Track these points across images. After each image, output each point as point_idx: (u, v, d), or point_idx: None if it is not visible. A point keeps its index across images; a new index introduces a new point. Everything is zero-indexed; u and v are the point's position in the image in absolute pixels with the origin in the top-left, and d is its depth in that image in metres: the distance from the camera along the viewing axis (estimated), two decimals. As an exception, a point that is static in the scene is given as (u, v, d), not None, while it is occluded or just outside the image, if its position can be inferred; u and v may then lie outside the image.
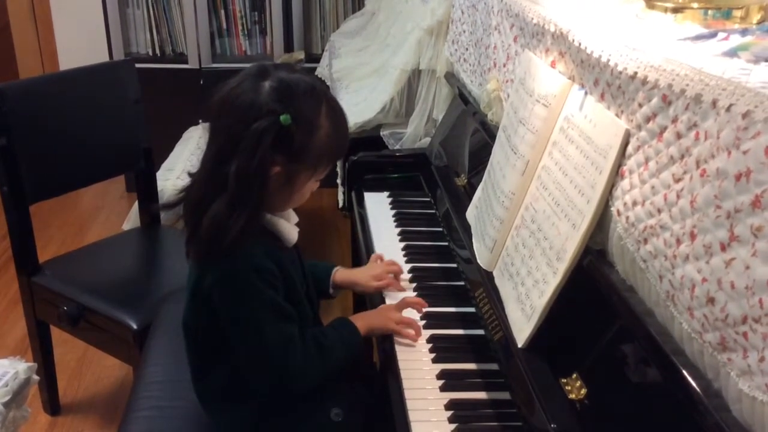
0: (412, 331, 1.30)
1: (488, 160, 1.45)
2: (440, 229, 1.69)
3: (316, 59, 3.29)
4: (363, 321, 1.30)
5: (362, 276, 1.45)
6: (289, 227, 1.22)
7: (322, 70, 3.05)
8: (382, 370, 1.31)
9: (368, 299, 1.48)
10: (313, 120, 1.13)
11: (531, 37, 1.35)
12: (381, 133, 2.22)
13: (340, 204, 2.16)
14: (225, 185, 1.09)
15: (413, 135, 2.16)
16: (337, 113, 1.17)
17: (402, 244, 1.63)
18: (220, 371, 1.23)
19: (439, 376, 1.21)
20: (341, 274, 1.44)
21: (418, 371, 1.23)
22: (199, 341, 1.24)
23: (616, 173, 0.99)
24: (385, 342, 1.31)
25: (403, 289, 1.45)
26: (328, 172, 1.21)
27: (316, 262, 1.43)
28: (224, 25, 3.51)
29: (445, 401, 1.15)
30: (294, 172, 1.14)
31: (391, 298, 1.41)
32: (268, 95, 1.10)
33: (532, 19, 1.33)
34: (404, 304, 1.36)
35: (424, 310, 1.37)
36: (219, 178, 1.10)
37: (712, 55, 0.86)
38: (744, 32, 0.95)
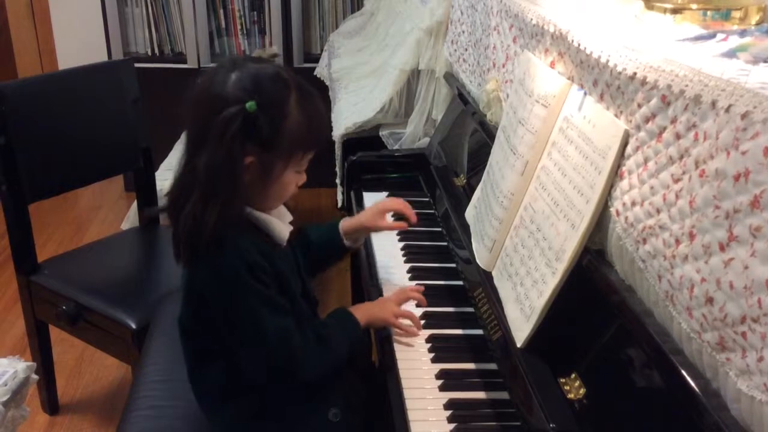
0: (411, 325, 1.30)
1: (487, 160, 1.45)
2: (439, 229, 1.70)
3: (315, 59, 3.29)
4: (362, 312, 1.30)
5: (366, 216, 1.46)
6: (279, 225, 1.21)
7: (321, 70, 3.06)
8: (381, 369, 1.32)
9: (367, 294, 1.49)
10: (280, 106, 1.12)
11: (530, 38, 1.36)
12: (380, 133, 2.22)
13: (339, 204, 2.16)
14: (197, 179, 1.10)
15: (412, 135, 2.16)
16: (308, 101, 1.16)
17: (401, 244, 1.64)
18: (217, 371, 1.23)
19: (438, 376, 1.21)
20: (347, 222, 1.45)
21: (417, 371, 1.23)
22: (195, 340, 1.24)
23: (615, 173, 1.00)
24: (385, 341, 1.31)
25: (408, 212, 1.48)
26: (307, 161, 1.19)
27: (320, 225, 1.44)
28: (223, 25, 3.51)
29: (444, 401, 1.15)
30: (268, 162, 1.13)
31: (390, 293, 1.41)
32: (234, 85, 1.10)
33: (532, 19, 1.33)
34: (404, 297, 1.36)
35: (423, 309, 1.37)
36: (192, 172, 1.11)
37: (711, 56, 0.86)
38: (743, 33, 0.96)
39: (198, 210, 1.10)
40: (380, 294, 1.44)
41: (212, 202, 1.09)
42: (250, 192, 1.15)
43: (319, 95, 1.20)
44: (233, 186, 1.10)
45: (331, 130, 2.12)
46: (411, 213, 1.50)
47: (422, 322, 1.34)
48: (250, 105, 1.08)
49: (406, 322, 1.31)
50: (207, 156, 1.09)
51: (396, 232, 1.68)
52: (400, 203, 1.51)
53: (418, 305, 1.38)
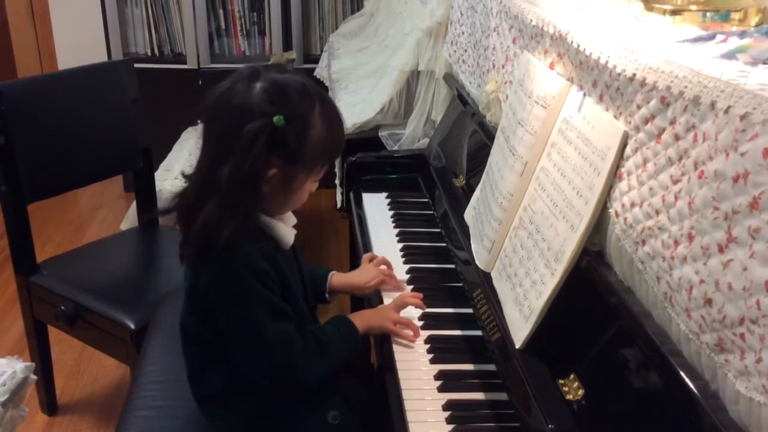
0: (410, 332, 1.30)
1: (486, 161, 1.45)
2: (438, 230, 1.70)
3: (315, 60, 3.29)
4: (361, 320, 1.30)
5: (358, 279, 1.45)
6: (285, 229, 1.22)
7: (320, 71, 3.06)
8: (380, 370, 1.31)
9: (366, 300, 1.48)
10: (306, 119, 1.12)
11: (530, 39, 1.36)
12: (379, 134, 2.22)
13: (339, 205, 2.17)
14: (218, 187, 1.09)
15: (412, 136, 2.17)
16: (330, 111, 1.17)
17: (400, 245, 1.64)
18: (217, 373, 1.23)
19: (437, 377, 1.21)
20: (337, 278, 1.44)
21: (416, 372, 1.23)
22: (197, 342, 1.24)
23: (615, 175, 1.00)
24: (384, 342, 1.31)
25: (399, 285, 1.46)
26: (326, 171, 1.21)
27: (313, 268, 1.44)
28: (223, 26, 3.51)
29: (443, 402, 1.15)
30: (291, 174, 1.14)
31: (390, 297, 1.41)
32: (260, 97, 1.10)
33: (531, 20, 1.33)
34: (402, 303, 1.36)
35: (422, 311, 1.37)
36: (212, 180, 1.10)
37: (710, 57, 0.86)
38: (742, 34, 0.96)
39: (215, 217, 1.10)
40: (379, 296, 1.44)
41: (231, 211, 1.09)
42: (268, 201, 1.15)
43: (336, 105, 1.21)
44: (254, 196, 1.11)
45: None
46: (396, 285, 1.47)
47: (421, 323, 1.34)
48: (278, 119, 1.08)
49: (406, 330, 1.31)
50: (231, 167, 1.08)
51: (395, 233, 1.69)
52: (385, 266, 1.48)
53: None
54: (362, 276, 1.45)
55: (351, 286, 1.45)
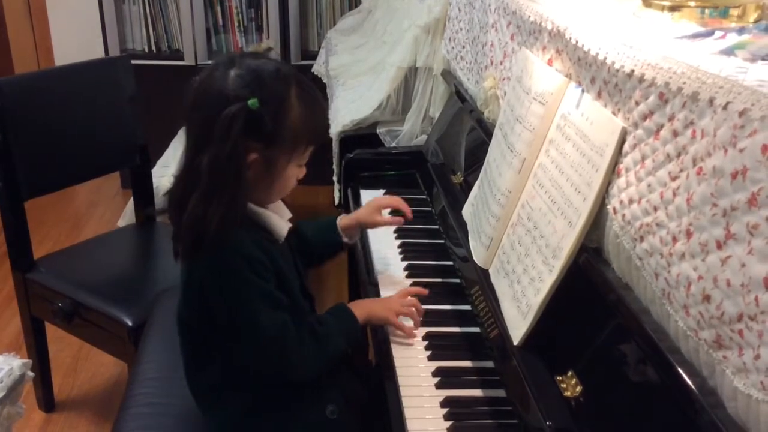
0: (410, 324, 1.30)
1: (485, 157, 1.45)
2: (436, 226, 1.69)
3: (313, 56, 3.28)
4: (362, 308, 1.30)
5: (363, 213, 1.50)
6: (279, 221, 1.21)
7: (318, 67, 3.05)
8: (378, 367, 1.31)
9: (364, 292, 1.48)
10: (282, 102, 1.12)
11: (528, 35, 1.35)
12: (377, 131, 2.22)
13: (336, 201, 2.16)
14: (200, 178, 1.09)
15: (409, 132, 2.16)
16: (308, 94, 1.17)
17: (398, 242, 1.63)
18: (214, 366, 1.23)
19: (435, 374, 1.21)
20: (344, 219, 1.48)
21: (414, 368, 1.23)
22: (194, 336, 1.24)
23: (613, 171, 0.99)
24: (382, 339, 1.30)
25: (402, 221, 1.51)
26: (310, 156, 1.20)
27: (317, 221, 1.46)
28: (220, 22, 3.50)
29: (441, 398, 1.15)
30: (272, 158, 1.13)
31: (388, 291, 1.41)
32: (235, 82, 1.10)
33: (529, 16, 1.33)
34: (406, 294, 1.36)
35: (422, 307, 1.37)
36: (194, 171, 1.10)
37: (709, 54, 0.86)
38: (741, 31, 0.96)
39: (201, 210, 1.09)
40: (377, 292, 1.44)
41: (216, 200, 1.09)
42: (253, 188, 1.15)
43: (316, 88, 1.21)
44: (237, 183, 1.10)
45: (329, 127, 2.13)
46: (406, 209, 1.52)
47: (419, 319, 1.34)
48: (252, 102, 1.08)
49: (408, 323, 1.31)
50: (211, 154, 1.08)
51: (393, 230, 1.68)
52: (395, 200, 1.53)
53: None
54: (367, 207, 1.50)
55: (357, 221, 1.48)
